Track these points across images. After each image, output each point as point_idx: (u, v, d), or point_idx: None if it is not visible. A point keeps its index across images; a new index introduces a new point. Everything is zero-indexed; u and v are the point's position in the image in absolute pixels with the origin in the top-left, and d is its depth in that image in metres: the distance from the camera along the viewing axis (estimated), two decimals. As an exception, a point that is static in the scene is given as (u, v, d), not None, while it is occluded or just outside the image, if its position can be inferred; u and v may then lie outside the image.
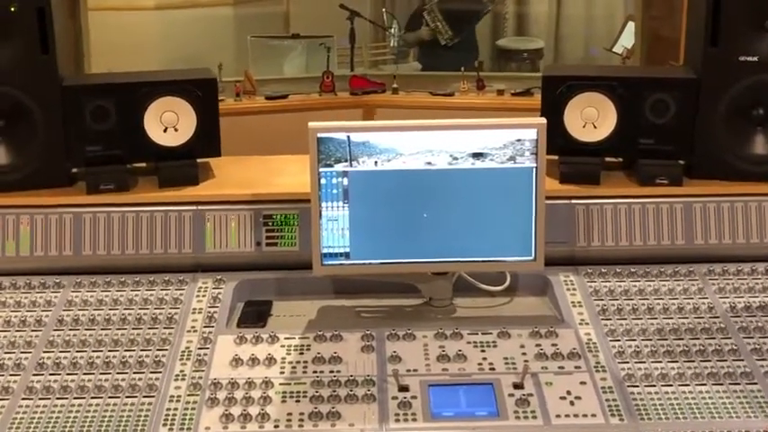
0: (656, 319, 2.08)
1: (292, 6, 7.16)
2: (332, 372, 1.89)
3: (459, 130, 2.07)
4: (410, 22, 6.18)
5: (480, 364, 1.92)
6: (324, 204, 2.08)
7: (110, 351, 1.98)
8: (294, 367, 1.91)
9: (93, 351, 1.98)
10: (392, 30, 6.08)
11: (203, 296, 2.16)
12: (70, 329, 2.04)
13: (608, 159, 2.42)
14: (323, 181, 2.07)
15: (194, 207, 2.28)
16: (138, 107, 2.32)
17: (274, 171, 2.46)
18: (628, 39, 6.07)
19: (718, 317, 2.07)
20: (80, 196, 2.30)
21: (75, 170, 2.38)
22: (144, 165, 2.43)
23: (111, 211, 2.27)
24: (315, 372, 1.89)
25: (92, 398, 1.83)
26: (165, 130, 2.35)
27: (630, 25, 6.14)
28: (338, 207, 2.08)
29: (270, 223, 2.27)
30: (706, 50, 2.29)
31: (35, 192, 2.30)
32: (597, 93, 2.34)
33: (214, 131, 2.40)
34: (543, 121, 2.07)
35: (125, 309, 2.12)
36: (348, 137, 2.05)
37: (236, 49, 6.28)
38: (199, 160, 2.42)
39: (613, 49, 6.30)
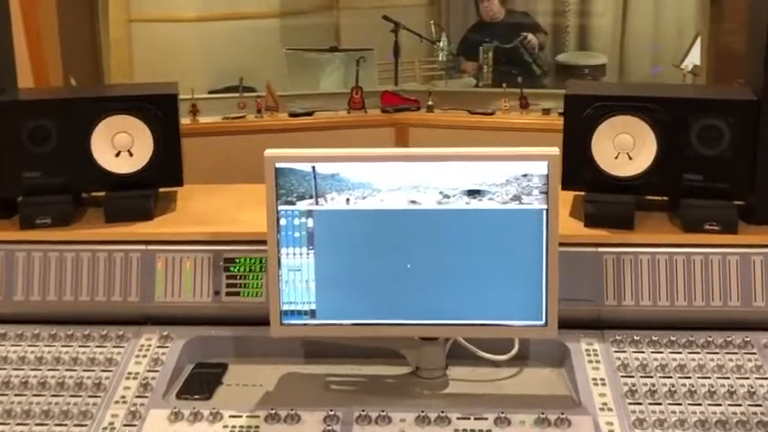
0: (698, 405, 1.63)
1: (343, 18, 6.84)
2: (277, 466, 1.51)
3: (452, 162, 1.66)
4: (462, 46, 5.80)
5: (467, 462, 1.51)
6: (284, 251, 1.69)
7: (18, 425, 1.63)
8: (232, 457, 1.53)
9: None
10: (441, 43, 5.70)
11: (143, 356, 1.80)
12: (-23, 394, 1.70)
13: (645, 198, 1.99)
14: (282, 222, 1.69)
15: (143, 247, 1.93)
16: (85, 127, 1.98)
17: (245, 203, 2.09)
18: (698, 55, 5.60)
19: (779, 406, 1.62)
20: (13, 231, 1.97)
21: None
22: (98, 194, 2.09)
23: (47, 250, 1.93)
24: (256, 465, 1.51)
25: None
26: (117, 155, 2.01)
27: (701, 41, 5.66)
28: (301, 254, 1.70)
29: (231, 268, 1.90)
30: (768, 65, 1.84)
31: (-39, 225, 1.98)
32: (633, 116, 1.91)
33: (175, 156, 2.05)
34: (555, 151, 1.66)
35: (49, 369, 1.77)
36: (313, 168, 1.67)
37: (279, 63, 5.99)
38: (160, 190, 2.07)
39: (682, 66, 5.82)
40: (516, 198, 1.66)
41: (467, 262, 1.68)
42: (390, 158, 1.67)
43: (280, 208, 1.68)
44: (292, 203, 1.68)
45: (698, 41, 5.76)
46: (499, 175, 1.65)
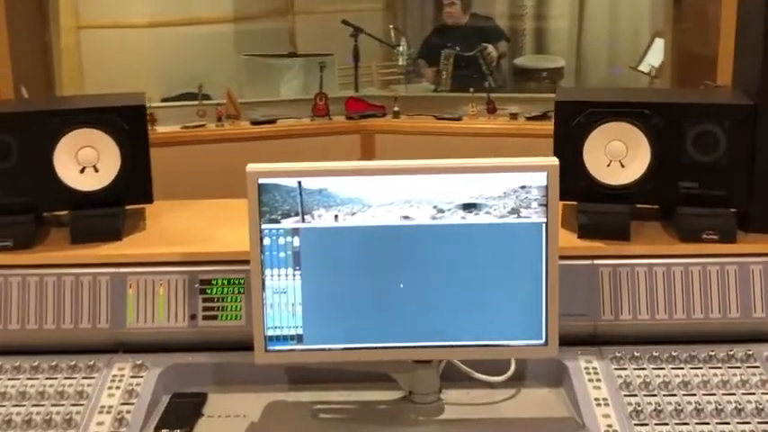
0: (706, 424, 1.57)
1: (298, 23, 6.72)
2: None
3: (446, 174, 1.57)
4: (423, 50, 5.74)
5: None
6: (268, 272, 1.59)
7: (-19, 468, 1.49)
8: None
9: (-40, 467, 1.50)
10: (400, 48, 5.62)
11: (116, 388, 1.67)
12: (-66, 436, 1.56)
13: (639, 206, 1.92)
14: (266, 241, 1.58)
15: (113, 270, 1.80)
16: (48, 142, 1.85)
17: (221, 220, 1.97)
18: (655, 57, 5.62)
19: (790, 422, 1.56)
20: (-29, 255, 1.83)
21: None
22: (62, 213, 1.95)
23: (8, 274, 1.79)
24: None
25: None
26: (81, 171, 1.88)
27: (658, 42, 5.68)
28: (287, 276, 1.59)
29: (208, 291, 1.79)
30: (765, 68, 1.78)
31: None
32: (626, 123, 1.84)
33: (144, 171, 1.93)
34: (555, 162, 1.57)
35: (14, 405, 1.64)
36: (299, 183, 1.56)
37: (236, 69, 5.86)
38: (128, 208, 1.95)
39: (639, 68, 5.83)
40: (514, 211, 1.57)
41: (463, 280, 1.59)
42: (381, 172, 1.57)
43: (263, 227, 1.57)
44: (277, 221, 1.57)
45: (655, 42, 5.78)
46: (496, 187, 1.57)
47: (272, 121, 4.12)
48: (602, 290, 1.80)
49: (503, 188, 1.57)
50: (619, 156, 1.85)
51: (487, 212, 1.57)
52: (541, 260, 1.58)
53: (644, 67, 5.78)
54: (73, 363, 1.73)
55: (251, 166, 1.57)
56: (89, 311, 1.78)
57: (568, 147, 1.85)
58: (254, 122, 4.10)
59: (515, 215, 1.57)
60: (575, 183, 1.85)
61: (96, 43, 5.88)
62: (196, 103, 4.19)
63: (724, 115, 1.81)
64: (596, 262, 1.81)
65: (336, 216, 1.57)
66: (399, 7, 6.94)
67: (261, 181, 1.55)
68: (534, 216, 1.57)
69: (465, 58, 5.36)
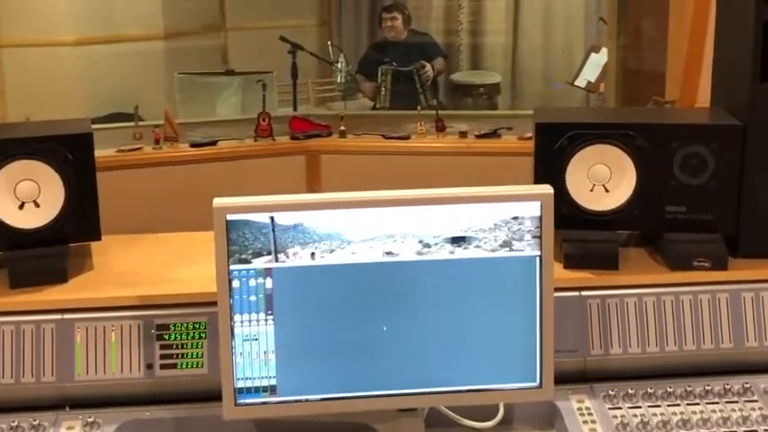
0: (713, 467, 1.47)
1: (231, 40, 6.54)
2: None
3: (432, 206, 1.44)
4: (363, 65, 5.64)
5: None
6: (237, 318, 1.43)
7: None
8: None
9: None
10: (339, 64, 5.50)
11: (66, 450, 1.50)
12: None
13: (623, 231, 1.83)
14: (236, 284, 1.42)
15: (59, 316, 1.62)
16: (-20, 176, 1.66)
17: (175, 256, 1.81)
18: (591, 71, 5.62)
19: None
20: None
21: None
22: (-2, 253, 1.77)
23: (-61, 325, 1.60)
24: None
25: None
26: (20, 207, 1.70)
27: (594, 57, 5.68)
28: (258, 321, 1.44)
29: (165, 337, 1.62)
30: (754, 88, 1.71)
31: None
32: (610, 145, 1.75)
33: (90, 205, 1.75)
34: (549, 190, 1.47)
35: (-52, 475, 1.44)
36: (272, 218, 1.42)
37: (168, 88, 5.66)
38: (72, 245, 1.77)
39: (576, 83, 5.84)
40: (506, 244, 1.46)
41: (451, 319, 1.46)
42: (362, 204, 1.43)
43: (232, 268, 1.42)
44: (247, 262, 1.42)
45: (590, 57, 5.78)
46: (486, 218, 1.45)
47: (213, 143, 3.94)
48: (591, 323, 1.70)
49: (493, 219, 1.45)
50: (603, 180, 1.75)
51: (477, 246, 1.45)
52: (535, 296, 1.47)
53: (580, 82, 5.77)
54: (15, 423, 1.54)
55: (218, 201, 1.41)
56: (32, 363, 1.60)
57: (549, 171, 1.75)
58: (194, 144, 3.90)
59: (507, 248, 1.46)
60: (557, 210, 1.71)
61: (19, 63, 5.62)
62: (132, 124, 3.98)
63: (712, 136, 1.73)
64: (583, 293, 1.71)
65: (313, 254, 1.43)
66: (334, 23, 6.84)
67: (229, 217, 1.40)
68: (527, 249, 1.46)
69: (403, 73, 5.29)
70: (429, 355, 1.46)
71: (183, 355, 1.62)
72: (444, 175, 3.72)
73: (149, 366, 1.62)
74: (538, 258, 1.46)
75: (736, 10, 1.81)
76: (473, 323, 1.46)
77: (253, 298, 1.43)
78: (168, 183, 3.73)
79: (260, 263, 1.42)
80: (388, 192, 1.44)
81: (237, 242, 1.41)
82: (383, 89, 5.34)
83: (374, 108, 5.53)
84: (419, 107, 4.27)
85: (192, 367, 1.62)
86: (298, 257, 1.42)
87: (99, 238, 1.78)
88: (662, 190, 1.75)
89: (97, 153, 3.77)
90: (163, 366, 1.62)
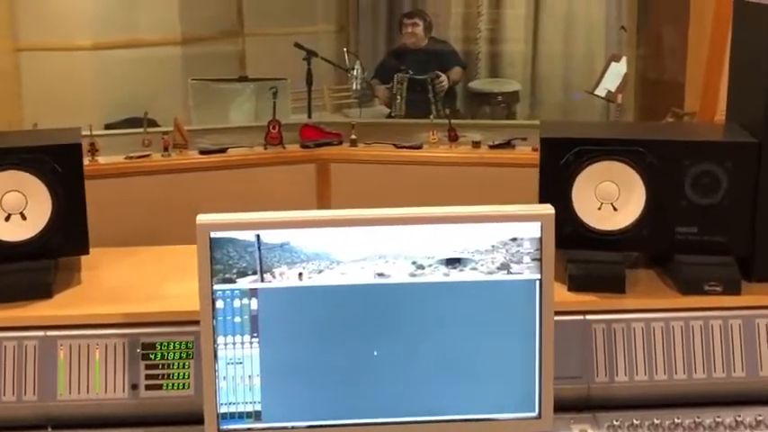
0: (722, 506, 1.39)
1: (249, 46, 6.52)
2: None
3: (426, 225, 1.38)
4: (379, 71, 5.60)
5: None
6: (221, 340, 1.37)
7: None
8: None
9: None
10: (354, 71, 5.45)
11: (44, 473, 1.44)
12: None
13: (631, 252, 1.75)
14: (219, 304, 1.36)
15: (42, 333, 1.57)
16: (-35, 187, 1.61)
17: (167, 272, 1.75)
18: (612, 80, 5.54)
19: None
20: None
21: None
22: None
23: None
24: None
25: None
26: (6, 219, 1.65)
27: (614, 66, 5.59)
28: (243, 344, 1.38)
29: (151, 356, 1.56)
30: (771, 104, 1.63)
31: None
32: (618, 162, 1.67)
33: (79, 219, 1.70)
34: (549, 210, 1.39)
35: None
36: (258, 237, 1.36)
37: (184, 94, 5.65)
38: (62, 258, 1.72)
39: (596, 92, 5.75)
40: (504, 267, 1.38)
41: (445, 345, 1.39)
42: (352, 222, 1.37)
43: (216, 287, 1.36)
44: (231, 281, 1.36)
45: (611, 66, 5.70)
46: (483, 239, 1.38)
47: (223, 150, 3.89)
48: (596, 348, 1.62)
49: (491, 241, 1.38)
50: (611, 198, 1.68)
51: (473, 268, 1.38)
52: (535, 322, 1.40)
53: (600, 92, 5.69)
54: (-7, 444, 1.49)
55: (201, 218, 1.35)
56: (13, 381, 1.54)
57: (555, 188, 1.67)
58: (203, 152, 3.86)
59: (505, 271, 1.39)
60: (562, 228, 1.65)
61: (37, 66, 5.63)
62: (140, 130, 3.94)
63: (726, 154, 1.65)
64: (588, 317, 1.63)
65: (301, 274, 1.37)
66: (352, 30, 6.80)
67: (213, 235, 1.34)
68: (527, 272, 1.39)
69: (418, 82, 5.23)
70: (421, 382, 1.39)
71: (169, 375, 1.56)
72: (456, 185, 3.65)
73: (134, 387, 1.56)
74: (538, 282, 1.39)
75: (751, 22, 1.73)
76: (468, 349, 1.39)
77: (237, 319, 1.37)
78: (176, 190, 3.68)
79: (245, 283, 1.36)
80: (379, 210, 1.37)
81: (222, 261, 1.35)
82: (398, 97, 5.29)
83: (389, 116, 5.48)
84: (431, 116, 4.21)
85: (178, 388, 1.56)
86: (284, 278, 1.36)
87: (87, 252, 1.72)
88: (672, 210, 1.67)
89: (105, 159, 3.75)
90: (148, 387, 1.56)
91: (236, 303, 1.37)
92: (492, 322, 1.39)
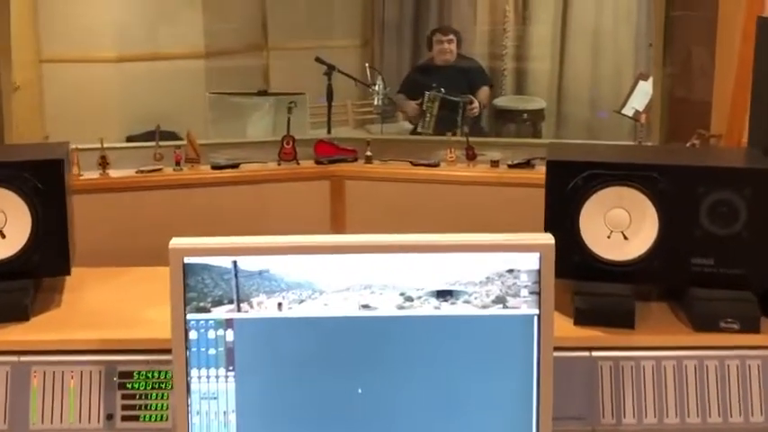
0: None
1: (272, 59, 6.48)
2: None
3: (416, 254, 1.28)
4: (406, 85, 5.54)
5: None
6: (194, 373, 1.28)
7: None
8: None
9: None
10: (376, 87, 5.38)
11: None
12: None
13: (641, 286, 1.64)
14: (193, 335, 1.28)
15: (14, 358, 1.49)
16: (-59, 203, 1.54)
17: (151, 295, 1.67)
18: (639, 100, 5.43)
19: None
20: None
21: None
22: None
23: None
24: None
25: None
26: (-16, 237, 1.58)
27: (642, 84, 5.48)
28: (218, 377, 1.29)
29: (128, 385, 1.48)
30: (795, 128, 1.52)
31: None
32: (630, 188, 1.57)
33: (60, 238, 1.62)
34: (549, 240, 1.29)
35: None
36: (235, 263, 1.27)
37: (207, 107, 5.62)
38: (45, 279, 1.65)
39: (623, 112, 5.64)
40: (500, 300, 1.28)
41: (435, 384, 1.29)
42: (336, 249, 1.28)
43: (189, 317, 1.27)
44: (206, 310, 1.27)
45: (639, 85, 5.58)
46: (477, 270, 1.28)
47: (235, 166, 3.81)
48: (602, 387, 1.51)
49: (485, 272, 1.28)
50: (621, 226, 1.57)
51: (466, 302, 1.28)
52: (532, 361, 1.29)
53: (627, 111, 5.59)
54: (-42, 476, 1.41)
55: (174, 242, 1.27)
56: (-17, 409, 1.47)
57: (562, 215, 1.58)
58: (216, 167, 3.78)
59: (501, 305, 1.29)
60: (569, 258, 1.56)
61: (59, 78, 5.63)
62: (152, 144, 3.88)
63: (745, 181, 1.54)
64: (595, 354, 1.52)
65: (280, 304, 1.27)
66: (377, 45, 6.75)
67: (187, 261, 1.26)
68: (524, 307, 1.29)
69: (450, 102, 5.17)
70: (409, 423, 1.30)
71: (146, 406, 1.48)
72: (473, 205, 3.55)
73: (109, 417, 1.48)
74: (536, 318, 1.29)
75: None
76: (460, 390, 1.29)
77: (212, 351, 1.28)
78: (186, 205, 3.62)
79: (220, 312, 1.27)
80: (365, 236, 1.28)
81: (196, 288, 1.26)
82: (428, 114, 5.22)
83: (414, 132, 5.40)
84: (448, 133, 4.12)
85: (155, 420, 1.48)
86: (263, 308, 1.27)
87: (68, 273, 1.65)
88: (687, 240, 1.56)
89: (116, 173, 3.69)
90: (124, 418, 1.48)
91: (211, 334, 1.28)
92: (486, 360, 1.29)
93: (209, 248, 1.26)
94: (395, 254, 1.28)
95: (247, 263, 1.26)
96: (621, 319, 1.55)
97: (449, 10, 6.83)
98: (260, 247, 1.27)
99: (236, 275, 1.26)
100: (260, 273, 1.27)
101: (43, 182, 1.59)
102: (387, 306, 1.28)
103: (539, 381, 1.29)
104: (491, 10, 6.82)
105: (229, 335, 1.28)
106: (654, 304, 1.65)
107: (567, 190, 1.58)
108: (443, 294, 1.28)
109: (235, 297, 1.27)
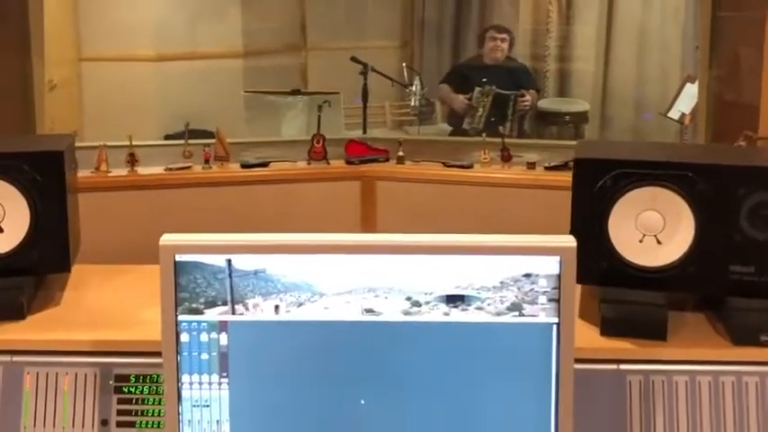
0: None
1: (311, 59, 6.43)
2: None
3: (425, 255, 1.18)
4: (451, 76, 5.45)
5: None
6: (186, 379, 1.20)
7: None
8: None
9: None
10: (414, 87, 5.30)
11: None
12: None
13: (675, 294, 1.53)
14: (184, 338, 1.19)
15: (7, 358, 1.43)
16: (-64, 196, 1.48)
17: (154, 294, 1.58)
18: (686, 103, 5.26)
19: None
20: None
21: None
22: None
23: None
24: None
25: None
26: (-19, 231, 1.51)
27: (689, 87, 5.32)
28: (210, 384, 1.20)
29: (124, 389, 1.40)
30: None
31: None
32: (664, 188, 1.45)
33: (59, 233, 1.55)
34: (571, 243, 1.18)
35: None
36: (229, 262, 1.18)
37: (242, 106, 5.60)
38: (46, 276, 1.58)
39: (669, 114, 5.48)
40: (515, 307, 1.18)
41: (443, 397, 1.19)
42: (338, 249, 1.18)
43: (181, 318, 1.19)
44: (198, 312, 1.19)
45: (686, 87, 5.42)
46: (491, 274, 1.18)
47: (265, 164, 3.74)
48: (631, 404, 1.40)
49: (500, 276, 1.18)
50: (654, 230, 1.46)
51: (479, 308, 1.18)
52: (551, 373, 1.19)
53: (674, 114, 5.43)
54: (-57, 481, 1.35)
55: (166, 238, 1.19)
56: (-26, 411, 1.40)
57: (590, 217, 1.46)
58: (245, 165, 3.72)
59: (516, 312, 1.18)
60: (596, 263, 1.45)
61: (99, 76, 5.65)
62: (182, 142, 3.84)
63: (790, 182, 1.41)
64: (623, 367, 1.41)
65: (277, 307, 1.18)
66: (415, 46, 6.67)
67: (179, 258, 1.17)
68: (542, 314, 1.18)
69: (502, 97, 5.07)
70: (414, 437, 1.20)
71: (142, 411, 1.40)
72: (507, 207, 3.44)
73: (104, 423, 1.41)
74: (555, 327, 1.18)
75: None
76: (470, 403, 1.19)
77: (204, 356, 1.20)
78: (213, 204, 3.57)
79: (213, 314, 1.19)
80: (368, 235, 1.19)
81: (188, 288, 1.18)
82: (480, 109, 5.13)
83: (456, 132, 5.30)
84: (484, 135, 4.01)
85: (151, 427, 1.40)
86: (259, 310, 1.18)
87: (68, 270, 1.58)
88: (725, 245, 1.44)
89: (145, 171, 3.65)
90: (120, 424, 1.41)
91: (204, 337, 1.19)
92: (499, 373, 1.19)
93: (201, 245, 1.18)
94: (401, 254, 1.18)
95: (242, 261, 1.18)
96: (652, 330, 1.44)
97: (491, 10, 6.73)
98: (256, 244, 1.18)
99: (230, 275, 1.18)
100: (255, 273, 1.18)
101: (42, 174, 1.52)
102: (392, 311, 1.18)
103: (557, 395, 1.18)
104: (534, 10, 6.70)
105: (223, 338, 1.19)
106: (688, 314, 1.53)
107: (594, 190, 1.47)
108: (453, 299, 1.18)
109: (229, 298, 1.18)
